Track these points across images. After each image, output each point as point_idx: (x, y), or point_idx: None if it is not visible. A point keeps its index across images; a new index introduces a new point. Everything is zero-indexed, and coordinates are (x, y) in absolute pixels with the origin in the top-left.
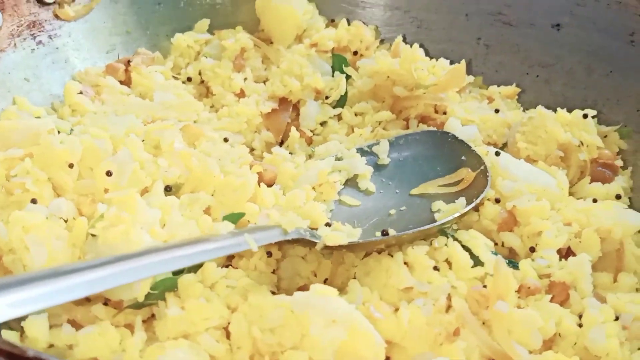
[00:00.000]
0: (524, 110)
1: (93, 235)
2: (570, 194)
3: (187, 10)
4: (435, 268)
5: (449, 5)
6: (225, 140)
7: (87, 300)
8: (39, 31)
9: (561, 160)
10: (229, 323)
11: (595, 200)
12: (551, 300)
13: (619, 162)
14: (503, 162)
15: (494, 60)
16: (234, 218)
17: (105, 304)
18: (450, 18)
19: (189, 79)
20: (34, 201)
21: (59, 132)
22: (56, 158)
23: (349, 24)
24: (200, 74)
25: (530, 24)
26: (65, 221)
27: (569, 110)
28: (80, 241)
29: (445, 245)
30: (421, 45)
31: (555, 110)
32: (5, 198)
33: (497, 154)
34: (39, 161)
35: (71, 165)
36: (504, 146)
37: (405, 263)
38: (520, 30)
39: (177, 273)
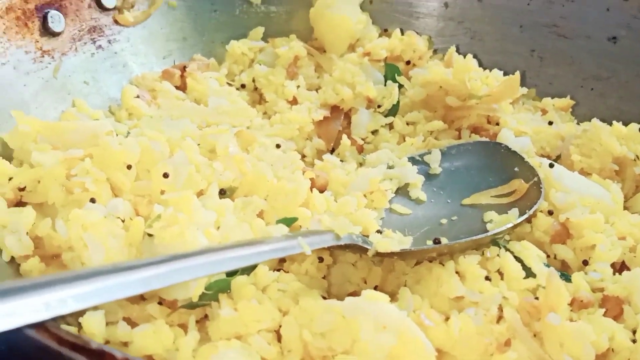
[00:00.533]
0: (578, 123)
1: (149, 235)
2: (625, 208)
3: (243, 18)
4: (487, 278)
5: (503, 16)
6: (278, 146)
7: (142, 299)
8: (99, 36)
9: (616, 173)
10: (280, 326)
11: None
12: (604, 315)
13: None
14: (556, 174)
15: (547, 73)
16: (287, 222)
17: (160, 303)
18: (504, 29)
19: (243, 86)
20: (92, 200)
21: (116, 135)
22: (114, 159)
23: (402, 34)
24: (254, 81)
25: (586, 36)
26: (123, 221)
27: (625, 124)
28: (137, 240)
29: (498, 255)
30: (474, 56)
31: (610, 124)
32: (65, 197)
33: (551, 165)
34: (97, 162)
35: (129, 167)
36: (557, 158)
37: (456, 272)
38: (575, 42)
39: (231, 275)
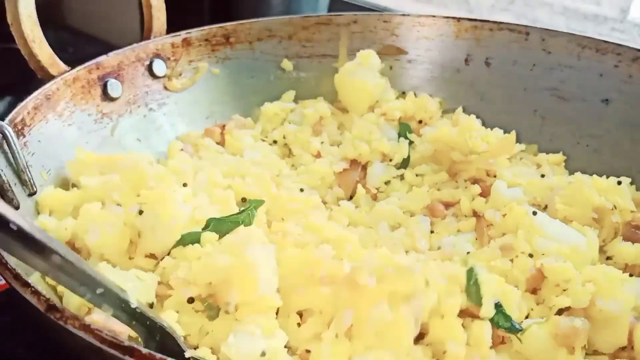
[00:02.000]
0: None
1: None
2: (603, 252)
3: (276, 83)
4: None
5: (510, 80)
6: (301, 190)
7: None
8: (151, 100)
9: (595, 221)
10: None
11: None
12: None
13: None
14: (539, 221)
15: (548, 131)
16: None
17: None
18: (510, 92)
19: (275, 142)
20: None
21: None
22: (144, 177)
23: (415, 96)
24: (284, 137)
25: (582, 99)
26: None
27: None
28: (130, 219)
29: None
30: (482, 116)
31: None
32: None
33: (534, 213)
34: (129, 181)
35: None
36: (545, 207)
37: None
38: (573, 104)
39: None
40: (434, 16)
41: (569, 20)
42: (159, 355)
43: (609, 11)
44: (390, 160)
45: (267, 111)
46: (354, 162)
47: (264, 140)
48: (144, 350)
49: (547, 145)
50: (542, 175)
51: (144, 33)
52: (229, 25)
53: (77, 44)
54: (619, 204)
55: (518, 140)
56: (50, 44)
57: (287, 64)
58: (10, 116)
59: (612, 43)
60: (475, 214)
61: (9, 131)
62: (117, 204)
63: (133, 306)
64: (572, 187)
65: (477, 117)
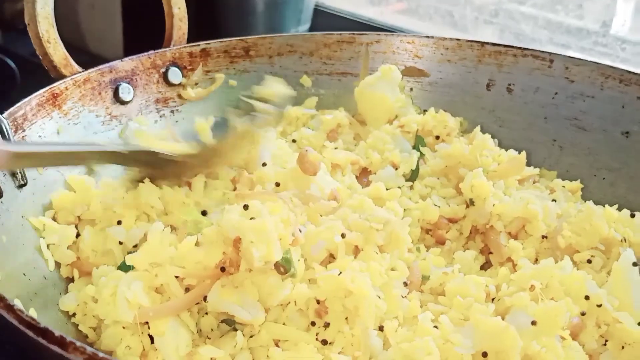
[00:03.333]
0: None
1: None
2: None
3: (294, 98)
4: None
5: (530, 108)
6: None
7: None
8: (163, 106)
9: (602, 253)
10: None
11: None
12: None
13: None
14: None
15: (565, 161)
16: None
17: None
18: (530, 120)
19: (294, 141)
20: (119, 222)
21: None
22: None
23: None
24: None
25: (603, 130)
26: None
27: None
28: None
29: None
30: (500, 143)
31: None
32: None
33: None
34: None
35: None
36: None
37: None
38: (593, 135)
39: None
40: (458, 39)
41: (552, 33)
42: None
43: (592, 25)
44: (397, 169)
45: (289, 114)
46: (364, 170)
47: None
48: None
49: (563, 175)
50: (553, 200)
51: (164, 41)
52: (249, 38)
53: None
54: (629, 237)
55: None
56: None
57: (306, 80)
58: (10, 110)
59: (635, 74)
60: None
61: (4, 123)
62: (118, 221)
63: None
64: (581, 215)
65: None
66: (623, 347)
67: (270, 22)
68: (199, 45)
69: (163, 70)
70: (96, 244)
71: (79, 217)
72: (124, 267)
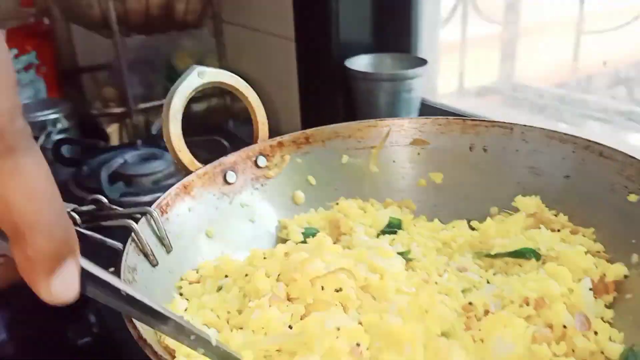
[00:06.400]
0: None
1: None
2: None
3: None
4: None
5: (501, 161)
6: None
7: None
8: (256, 183)
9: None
10: None
11: None
12: None
13: None
14: None
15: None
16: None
17: None
18: (500, 169)
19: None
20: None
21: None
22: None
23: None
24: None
25: (551, 174)
26: None
27: None
28: None
29: None
30: (479, 185)
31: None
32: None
33: None
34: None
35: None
36: None
37: None
38: (544, 178)
39: None
40: (447, 118)
41: None
42: None
43: None
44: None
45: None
46: None
47: None
48: None
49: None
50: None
51: (253, 140)
52: (309, 130)
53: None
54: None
55: (501, 205)
56: None
57: (344, 158)
58: (157, 202)
59: (571, 135)
60: None
61: (155, 213)
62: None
63: (214, 344)
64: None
65: (476, 186)
66: None
67: (389, 111)
68: (275, 139)
69: (254, 159)
70: None
71: None
72: None
